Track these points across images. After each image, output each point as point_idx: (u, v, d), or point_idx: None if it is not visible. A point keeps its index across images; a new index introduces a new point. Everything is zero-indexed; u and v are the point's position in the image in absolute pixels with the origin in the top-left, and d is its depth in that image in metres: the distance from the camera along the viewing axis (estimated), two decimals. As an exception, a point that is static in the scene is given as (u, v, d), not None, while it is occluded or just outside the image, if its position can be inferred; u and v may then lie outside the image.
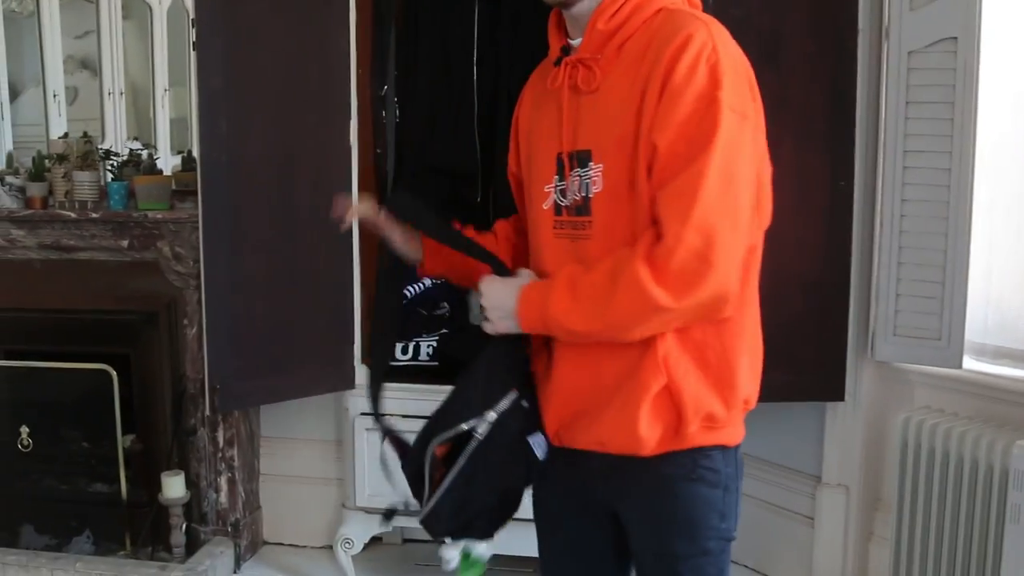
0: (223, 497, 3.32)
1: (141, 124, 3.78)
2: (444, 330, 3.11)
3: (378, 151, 3.25)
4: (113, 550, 3.32)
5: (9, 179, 3.32)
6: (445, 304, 3.23)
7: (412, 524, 3.17)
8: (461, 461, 1.53)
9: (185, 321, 3.26)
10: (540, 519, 1.74)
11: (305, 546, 3.50)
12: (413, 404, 3.00)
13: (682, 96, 1.37)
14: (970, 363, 2.66)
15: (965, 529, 2.53)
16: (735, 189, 1.38)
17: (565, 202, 1.53)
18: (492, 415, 1.53)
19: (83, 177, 3.28)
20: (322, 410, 3.39)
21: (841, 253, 2.82)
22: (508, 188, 1.79)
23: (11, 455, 3.40)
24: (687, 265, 1.36)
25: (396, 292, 1.63)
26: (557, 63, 1.56)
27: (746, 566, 3.25)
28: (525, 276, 1.57)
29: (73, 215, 3.23)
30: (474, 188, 3.23)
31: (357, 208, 1.83)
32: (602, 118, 1.48)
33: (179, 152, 3.59)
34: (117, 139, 3.65)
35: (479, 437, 1.52)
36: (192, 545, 3.26)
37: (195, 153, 2.96)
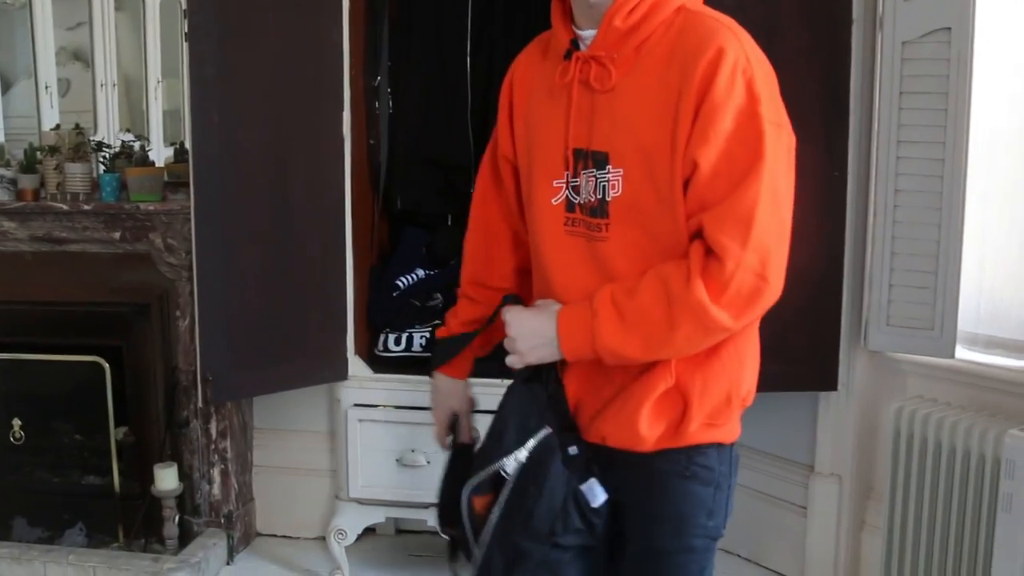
0: (216, 489, 3.32)
1: (134, 116, 3.76)
2: (437, 321, 3.10)
3: (371, 142, 3.25)
4: (106, 542, 3.32)
5: (0, 171, 3.31)
6: (438, 295, 3.23)
7: (405, 515, 3.20)
8: (496, 512, 1.50)
9: (178, 313, 3.25)
10: None
11: (298, 537, 3.51)
12: (406, 395, 3.02)
13: (722, 113, 1.38)
14: (963, 353, 2.67)
15: (957, 518, 2.54)
16: (782, 204, 1.42)
17: (579, 200, 1.51)
18: (524, 453, 1.49)
19: (75, 169, 3.26)
20: (315, 401, 3.40)
21: (834, 243, 2.82)
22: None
23: (3, 448, 3.38)
24: (746, 286, 1.38)
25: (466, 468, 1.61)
26: (567, 56, 1.51)
27: (739, 555, 3.26)
28: (551, 303, 1.52)
29: (65, 207, 3.21)
30: (467, 179, 3.23)
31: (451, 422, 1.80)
32: (620, 121, 1.46)
33: (172, 144, 3.58)
34: (109, 131, 3.64)
35: (509, 477, 1.49)
36: (185, 537, 3.26)
37: (187, 144, 2.95)
